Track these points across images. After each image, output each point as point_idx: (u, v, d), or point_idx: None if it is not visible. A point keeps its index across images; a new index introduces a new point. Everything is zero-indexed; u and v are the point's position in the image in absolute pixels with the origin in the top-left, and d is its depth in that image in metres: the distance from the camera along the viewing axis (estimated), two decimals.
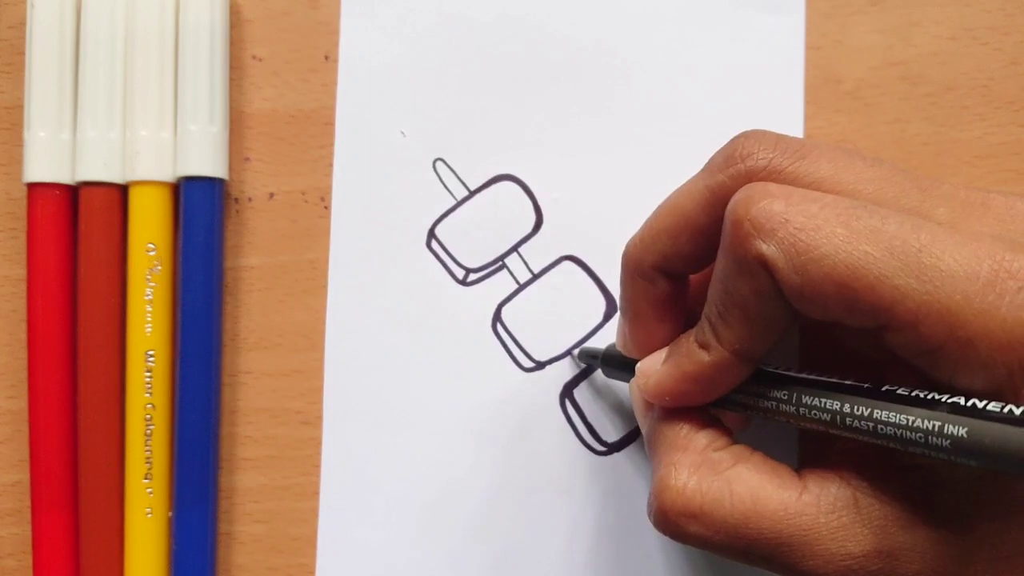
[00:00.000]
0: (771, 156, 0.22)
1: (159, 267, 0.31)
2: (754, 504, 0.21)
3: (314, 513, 0.31)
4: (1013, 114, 0.31)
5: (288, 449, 0.32)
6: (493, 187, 0.32)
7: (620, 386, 0.31)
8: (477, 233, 0.31)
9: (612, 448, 0.31)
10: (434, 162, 0.32)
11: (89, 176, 0.31)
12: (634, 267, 0.24)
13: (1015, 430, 0.17)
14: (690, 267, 0.24)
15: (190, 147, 0.30)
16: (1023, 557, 0.20)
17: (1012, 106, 0.31)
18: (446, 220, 0.32)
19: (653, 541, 0.30)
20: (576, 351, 0.31)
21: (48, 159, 0.30)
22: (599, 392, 0.31)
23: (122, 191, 0.31)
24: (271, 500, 0.31)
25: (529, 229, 0.32)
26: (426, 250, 0.32)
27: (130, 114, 0.31)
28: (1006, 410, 0.18)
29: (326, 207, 0.32)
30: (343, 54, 0.32)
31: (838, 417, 0.20)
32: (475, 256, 0.32)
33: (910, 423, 0.19)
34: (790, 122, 0.31)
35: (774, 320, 0.21)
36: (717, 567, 0.30)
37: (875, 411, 0.20)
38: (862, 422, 0.20)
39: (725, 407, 0.23)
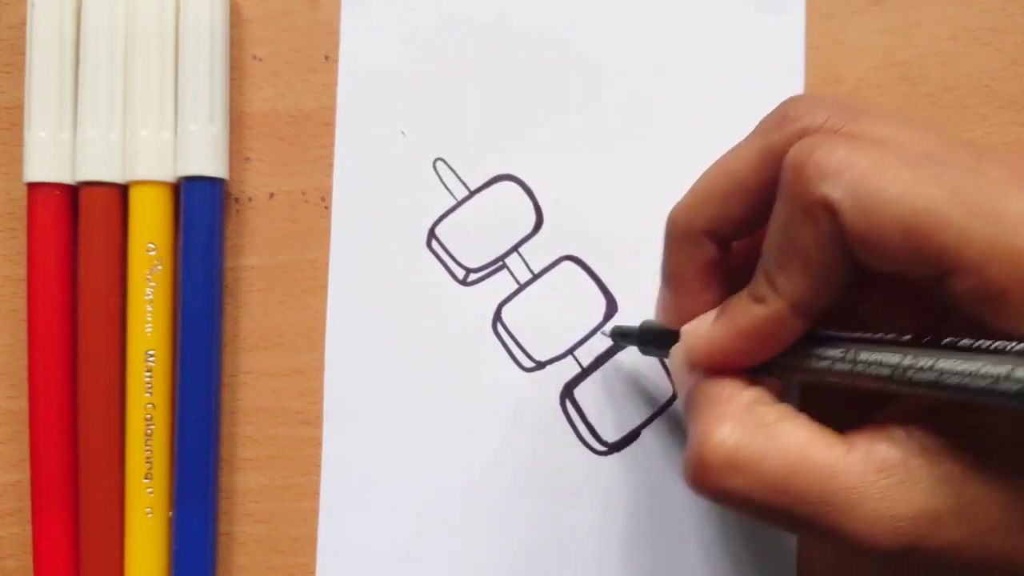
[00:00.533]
0: (827, 116, 0.21)
1: (159, 267, 0.31)
2: (801, 458, 0.20)
3: (314, 513, 0.31)
4: (1014, 114, 0.31)
5: (288, 449, 0.32)
6: (493, 187, 0.32)
7: (620, 386, 0.31)
8: (477, 233, 0.31)
9: (612, 448, 0.31)
10: (434, 162, 0.32)
11: (89, 176, 0.31)
12: (682, 232, 0.24)
13: None
14: (740, 231, 0.24)
15: (190, 147, 0.30)
16: None
17: (1013, 106, 0.31)
18: (446, 220, 0.32)
19: (654, 541, 0.30)
20: (607, 330, 0.30)
21: (48, 159, 0.30)
22: (599, 392, 0.31)
23: (122, 191, 0.31)
24: (271, 500, 0.31)
25: (529, 229, 0.32)
26: (426, 250, 0.32)
27: (130, 114, 0.31)
28: None
29: (326, 207, 0.32)
30: (343, 54, 0.32)
31: (898, 371, 0.20)
32: (475, 256, 0.32)
33: (978, 370, 0.18)
34: None
35: (835, 270, 0.20)
36: (718, 567, 0.30)
37: (939, 361, 0.19)
38: (925, 373, 0.19)
39: (774, 372, 0.23)
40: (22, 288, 0.32)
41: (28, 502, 0.31)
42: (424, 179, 0.32)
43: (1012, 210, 0.18)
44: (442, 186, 0.32)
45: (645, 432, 0.31)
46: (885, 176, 0.19)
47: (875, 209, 0.19)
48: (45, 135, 0.30)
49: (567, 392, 0.31)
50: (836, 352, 0.21)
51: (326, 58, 0.32)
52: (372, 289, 0.32)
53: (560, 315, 0.31)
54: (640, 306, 0.31)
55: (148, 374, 0.30)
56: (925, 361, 0.19)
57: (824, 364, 0.21)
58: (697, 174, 0.24)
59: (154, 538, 0.31)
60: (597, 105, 0.31)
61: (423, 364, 0.31)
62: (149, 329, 0.30)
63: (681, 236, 0.24)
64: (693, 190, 0.24)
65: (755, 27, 0.31)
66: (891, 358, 0.20)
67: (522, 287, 0.31)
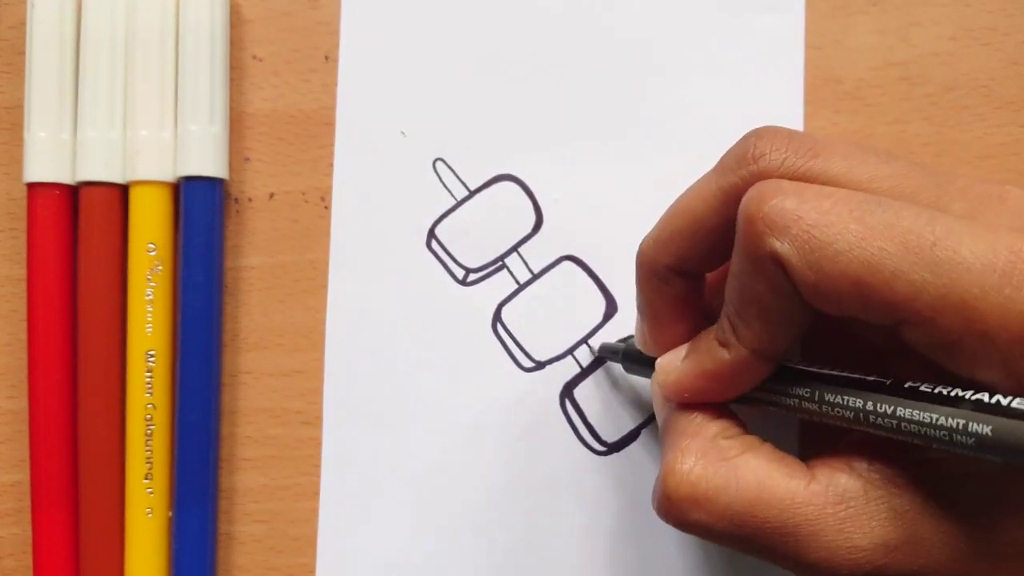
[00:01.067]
0: (784, 156, 0.22)
1: (159, 267, 0.31)
2: (760, 492, 0.21)
3: (314, 513, 0.31)
4: (1014, 114, 0.31)
5: (288, 449, 0.32)
6: (493, 187, 0.32)
7: (621, 386, 0.31)
8: (477, 233, 0.31)
9: (612, 448, 0.31)
10: (434, 162, 0.32)
11: (89, 176, 0.31)
12: (649, 268, 0.24)
13: None
14: (705, 266, 0.24)
15: (190, 147, 0.30)
16: None
17: (1013, 106, 0.31)
18: (446, 220, 0.32)
19: (653, 541, 0.30)
20: (597, 346, 0.31)
21: (48, 159, 0.30)
22: (599, 392, 0.31)
23: (122, 191, 0.31)
24: (271, 500, 0.31)
25: (529, 229, 0.32)
26: (426, 250, 0.32)
27: (130, 114, 0.31)
28: None
29: (326, 207, 0.32)
30: (343, 54, 0.32)
31: (861, 415, 0.20)
32: (475, 256, 0.32)
33: (934, 421, 0.19)
34: (790, 122, 0.31)
35: (792, 317, 0.21)
36: (717, 567, 0.30)
37: (898, 409, 0.20)
38: (885, 419, 0.20)
39: (746, 403, 0.23)
40: (22, 288, 0.32)
41: (28, 502, 0.31)
42: (424, 179, 0.32)
43: (964, 258, 0.18)
44: (442, 186, 0.32)
45: (645, 432, 0.31)
46: (833, 230, 0.19)
47: (823, 263, 0.19)
48: (45, 135, 0.30)
49: (567, 392, 0.31)
50: (803, 391, 0.22)
51: (326, 58, 0.32)
52: (372, 289, 0.32)
53: (560, 315, 0.31)
54: None
55: (148, 374, 0.30)
56: (885, 408, 0.20)
57: (792, 402, 0.22)
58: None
59: (154, 538, 0.31)
60: (597, 105, 0.31)
61: (423, 364, 0.31)
62: (149, 329, 0.30)
63: (649, 272, 0.25)
64: (658, 227, 0.24)
65: (755, 27, 0.31)
66: (854, 402, 0.20)
67: (522, 287, 0.31)
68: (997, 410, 0.18)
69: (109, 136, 0.31)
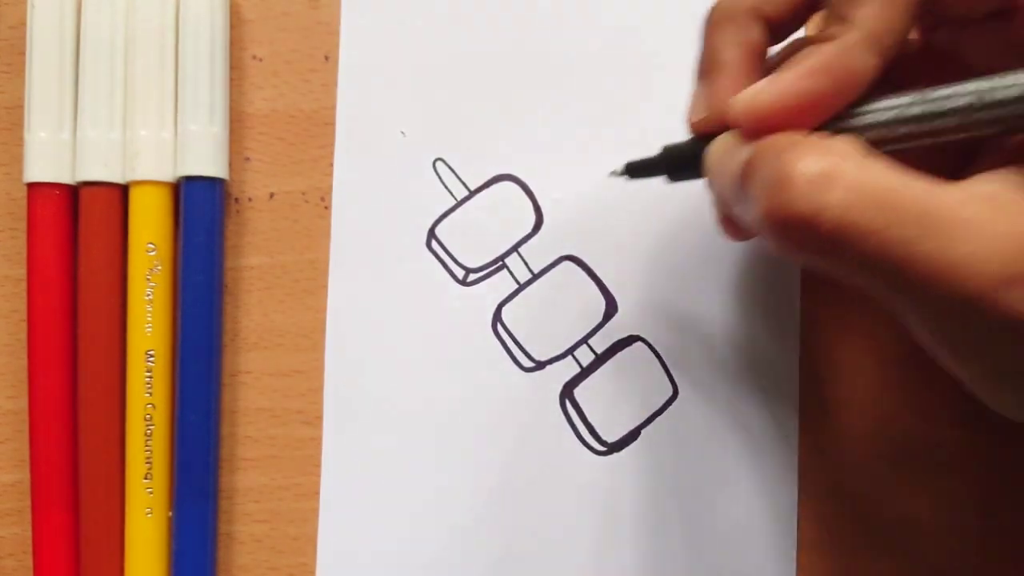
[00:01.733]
0: None
1: (159, 267, 0.31)
2: (901, 182, 0.18)
3: (314, 513, 0.31)
4: None
5: (288, 449, 0.32)
6: (493, 187, 0.32)
7: (620, 386, 0.31)
8: (477, 233, 0.31)
9: (612, 448, 0.31)
10: (434, 162, 0.32)
11: (89, 176, 0.31)
12: (727, 13, 0.23)
13: None
14: (785, 17, 0.22)
15: (190, 147, 0.30)
16: None
17: None
18: (446, 220, 0.32)
19: (654, 541, 0.30)
20: (618, 168, 0.27)
21: (48, 159, 0.30)
22: (599, 392, 0.31)
23: (122, 191, 0.31)
24: (271, 500, 0.31)
25: (529, 229, 0.32)
26: (426, 250, 0.32)
27: (130, 114, 0.31)
28: None
29: (326, 207, 0.32)
30: (343, 54, 0.32)
31: (979, 97, 0.18)
32: (475, 256, 0.32)
33: None
34: None
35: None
36: (717, 567, 0.30)
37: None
38: (1011, 89, 0.18)
39: (838, 126, 0.21)
40: (22, 288, 0.32)
41: (28, 502, 0.31)
42: (424, 179, 0.32)
43: None
44: (442, 186, 0.32)
45: (645, 432, 0.31)
46: None
47: None
48: (45, 135, 0.30)
49: (567, 392, 0.31)
50: (904, 99, 0.20)
51: (326, 58, 0.32)
52: (372, 289, 0.32)
53: (560, 315, 0.31)
54: (640, 306, 0.31)
55: (148, 374, 0.30)
56: (1009, 79, 0.18)
57: (893, 114, 0.20)
58: None
59: (154, 538, 0.31)
60: (597, 105, 0.31)
61: (423, 364, 0.31)
62: (149, 329, 0.30)
63: (726, 18, 0.23)
64: None
65: None
66: (967, 86, 0.19)
67: (522, 287, 0.31)
68: None
69: (109, 136, 0.31)
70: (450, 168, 0.32)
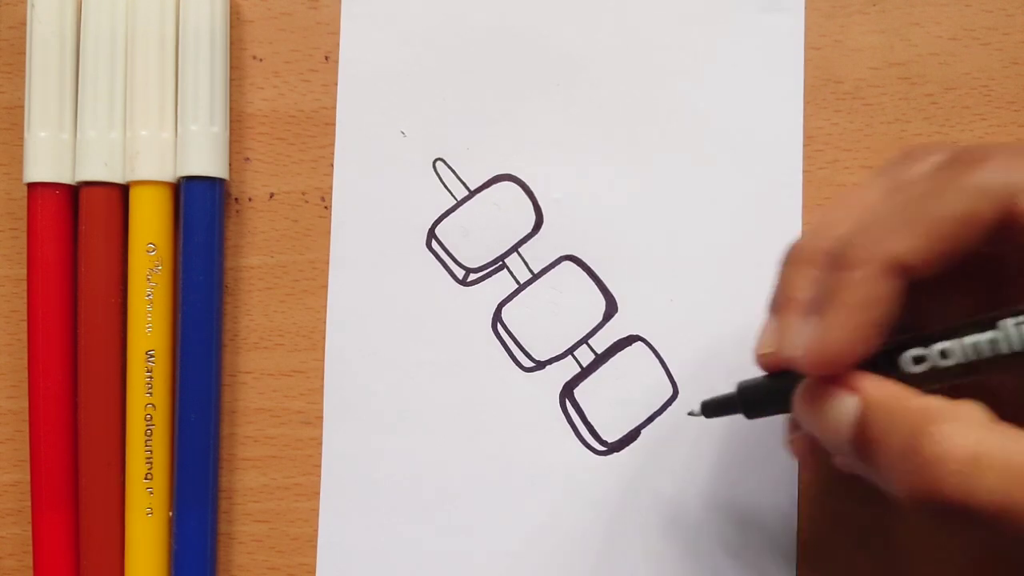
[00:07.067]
0: None
1: (159, 267, 0.31)
2: None
3: (314, 513, 0.31)
4: (1013, 114, 0.31)
5: (288, 449, 0.32)
6: (493, 187, 0.32)
7: (620, 386, 0.31)
8: (477, 233, 0.32)
9: (612, 448, 0.31)
10: (434, 162, 0.32)
11: (89, 176, 0.31)
12: (866, 256, 0.21)
13: None
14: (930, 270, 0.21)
15: (190, 147, 0.30)
16: None
17: (1012, 106, 0.31)
18: (446, 220, 0.32)
19: (653, 541, 0.30)
20: (695, 409, 0.27)
21: (48, 159, 0.30)
22: (599, 392, 0.31)
23: (122, 191, 0.31)
24: (271, 500, 0.31)
25: (529, 229, 0.32)
26: (426, 250, 0.32)
27: (130, 114, 0.31)
28: None
29: (326, 207, 0.32)
30: (343, 54, 0.32)
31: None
32: (475, 256, 0.32)
33: None
34: (790, 122, 0.31)
35: (964, 238, 0.20)
36: (718, 567, 0.30)
37: None
38: None
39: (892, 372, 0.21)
40: (22, 288, 0.32)
41: (28, 502, 0.31)
42: (424, 179, 0.32)
43: None
44: (442, 186, 0.32)
45: (645, 432, 0.31)
46: None
47: None
48: (45, 135, 0.30)
49: (567, 392, 0.31)
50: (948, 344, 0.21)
51: (326, 58, 0.32)
52: (372, 289, 0.32)
53: (560, 315, 0.31)
54: (640, 306, 0.31)
55: (148, 374, 0.30)
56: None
57: (937, 361, 0.21)
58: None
59: (154, 538, 0.31)
60: (597, 105, 0.31)
61: (423, 364, 0.31)
62: (149, 329, 0.30)
63: (803, 260, 0.23)
64: (877, 218, 0.22)
65: (755, 27, 0.31)
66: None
67: (522, 287, 0.31)
68: None
69: (109, 136, 0.31)
70: (450, 168, 0.32)
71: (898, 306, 0.21)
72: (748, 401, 0.25)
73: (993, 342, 0.20)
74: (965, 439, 0.19)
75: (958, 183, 0.21)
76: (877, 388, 0.21)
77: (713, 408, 0.26)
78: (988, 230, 0.20)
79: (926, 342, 0.21)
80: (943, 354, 0.21)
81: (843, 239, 0.22)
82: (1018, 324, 0.20)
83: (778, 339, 0.23)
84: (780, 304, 0.24)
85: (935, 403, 0.20)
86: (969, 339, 0.21)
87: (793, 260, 0.24)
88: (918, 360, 0.21)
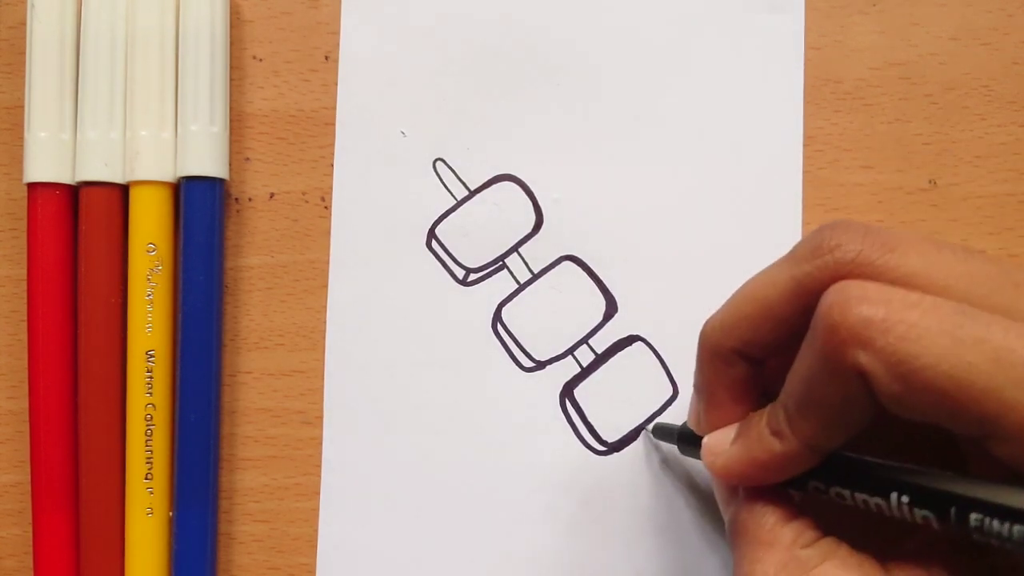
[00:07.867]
0: (859, 248, 0.21)
1: (159, 267, 0.31)
2: None
3: (314, 513, 0.31)
4: (1014, 114, 0.31)
5: (288, 449, 0.32)
6: (493, 187, 0.32)
7: (620, 386, 0.31)
8: (477, 233, 0.32)
9: (612, 448, 0.31)
10: (434, 162, 0.32)
11: (89, 176, 0.31)
12: (712, 350, 0.24)
13: None
14: (770, 353, 0.24)
15: (190, 147, 0.30)
16: None
17: (1013, 106, 0.31)
18: (446, 220, 0.32)
19: (653, 541, 0.30)
20: (649, 428, 0.31)
21: (48, 159, 0.30)
22: (599, 392, 0.31)
23: (122, 191, 0.31)
24: (271, 500, 0.31)
25: (529, 229, 0.32)
26: (426, 250, 0.32)
27: (131, 114, 0.31)
28: None
29: (326, 207, 0.32)
30: (343, 54, 0.32)
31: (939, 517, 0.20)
32: (475, 256, 0.32)
33: (1010, 533, 0.18)
34: (790, 122, 0.31)
35: (856, 420, 0.21)
36: (718, 566, 0.30)
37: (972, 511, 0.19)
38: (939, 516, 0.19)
39: (793, 488, 0.23)
40: (22, 288, 0.32)
41: (28, 502, 0.31)
42: (424, 179, 0.32)
43: None
44: (442, 186, 0.32)
45: (645, 432, 0.31)
46: (922, 343, 0.19)
47: (910, 376, 0.19)
48: (45, 135, 0.30)
49: (567, 392, 0.31)
50: (848, 491, 0.22)
51: (326, 58, 0.32)
52: (372, 289, 0.32)
53: (560, 315, 0.31)
54: (640, 307, 0.31)
55: (148, 374, 0.30)
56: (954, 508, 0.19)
57: (843, 493, 0.22)
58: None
59: (154, 538, 0.31)
60: (597, 105, 0.31)
61: (423, 364, 0.31)
62: (149, 329, 0.30)
63: (712, 354, 0.24)
64: (726, 309, 0.24)
65: (755, 27, 0.31)
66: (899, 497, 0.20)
67: (522, 287, 0.31)
68: None
69: (109, 136, 0.31)
70: (450, 168, 0.32)
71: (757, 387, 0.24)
72: (683, 441, 0.28)
73: (879, 506, 0.21)
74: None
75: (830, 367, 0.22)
76: (747, 515, 0.23)
77: (659, 432, 0.30)
78: (868, 408, 0.21)
79: (827, 480, 0.22)
80: (838, 495, 0.22)
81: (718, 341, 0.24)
82: (902, 505, 0.20)
83: (697, 424, 0.26)
84: (698, 390, 0.26)
85: (766, 528, 0.23)
86: (859, 495, 0.21)
87: (701, 347, 0.25)
88: (819, 490, 0.22)
